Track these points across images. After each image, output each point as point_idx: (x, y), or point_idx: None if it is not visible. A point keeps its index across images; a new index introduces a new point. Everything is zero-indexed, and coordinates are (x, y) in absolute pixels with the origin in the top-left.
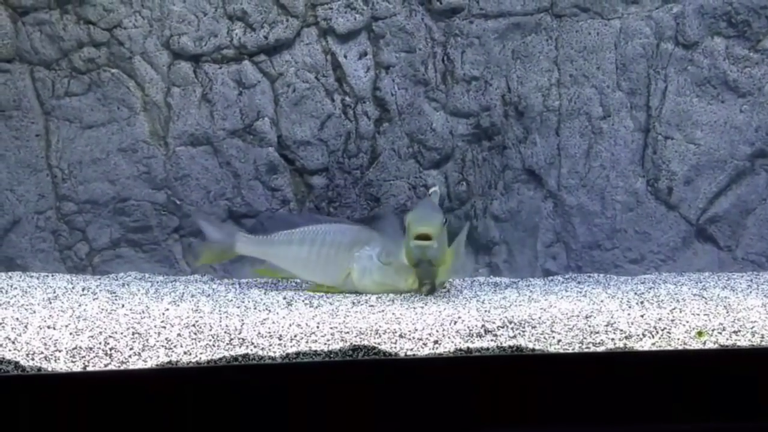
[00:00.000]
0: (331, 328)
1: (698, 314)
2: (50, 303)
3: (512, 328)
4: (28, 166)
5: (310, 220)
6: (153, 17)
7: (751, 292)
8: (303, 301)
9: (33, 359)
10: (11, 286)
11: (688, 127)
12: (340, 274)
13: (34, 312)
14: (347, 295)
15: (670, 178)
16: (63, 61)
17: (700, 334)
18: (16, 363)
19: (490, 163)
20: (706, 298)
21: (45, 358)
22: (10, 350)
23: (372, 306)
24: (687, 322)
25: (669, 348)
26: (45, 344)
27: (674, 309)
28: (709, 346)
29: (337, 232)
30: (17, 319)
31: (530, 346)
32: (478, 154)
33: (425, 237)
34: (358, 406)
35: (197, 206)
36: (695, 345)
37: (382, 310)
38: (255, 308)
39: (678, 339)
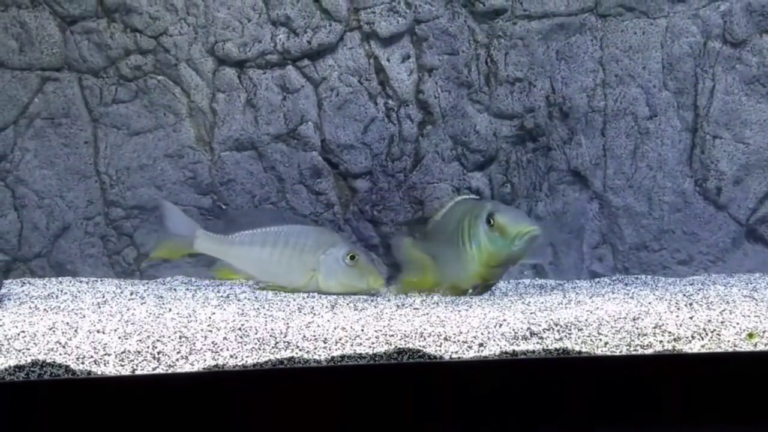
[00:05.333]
0: (376, 331)
1: (749, 316)
2: (99, 307)
3: (558, 331)
4: (77, 173)
5: (267, 217)
6: (198, 24)
7: None
8: (347, 304)
9: (83, 363)
10: (61, 291)
11: (736, 126)
12: (304, 275)
13: (84, 316)
14: (390, 297)
15: (719, 178)
16: (110, 68)
17: (750, 336)
18: (67, 367)
19: (535, 165)
20: (756, 300)
21: (95, 361)
22: (60, 354)
23: (416, 309)
24: (737, 323)
25: (719, 350)
26: (94, 348)
27: (724, 310)
28: (761, 348)
29: (300, 234)
30: (67, 323)
31: (577, 348)
32: (523, 155)
33: (533, 237)
34: (402, 409)
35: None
36: (746, 347)
37: (427, 313)
38: (300, 311)
39: (728, 341)
